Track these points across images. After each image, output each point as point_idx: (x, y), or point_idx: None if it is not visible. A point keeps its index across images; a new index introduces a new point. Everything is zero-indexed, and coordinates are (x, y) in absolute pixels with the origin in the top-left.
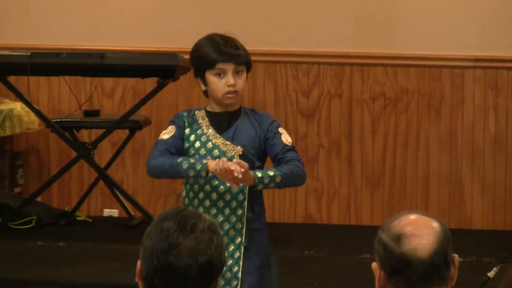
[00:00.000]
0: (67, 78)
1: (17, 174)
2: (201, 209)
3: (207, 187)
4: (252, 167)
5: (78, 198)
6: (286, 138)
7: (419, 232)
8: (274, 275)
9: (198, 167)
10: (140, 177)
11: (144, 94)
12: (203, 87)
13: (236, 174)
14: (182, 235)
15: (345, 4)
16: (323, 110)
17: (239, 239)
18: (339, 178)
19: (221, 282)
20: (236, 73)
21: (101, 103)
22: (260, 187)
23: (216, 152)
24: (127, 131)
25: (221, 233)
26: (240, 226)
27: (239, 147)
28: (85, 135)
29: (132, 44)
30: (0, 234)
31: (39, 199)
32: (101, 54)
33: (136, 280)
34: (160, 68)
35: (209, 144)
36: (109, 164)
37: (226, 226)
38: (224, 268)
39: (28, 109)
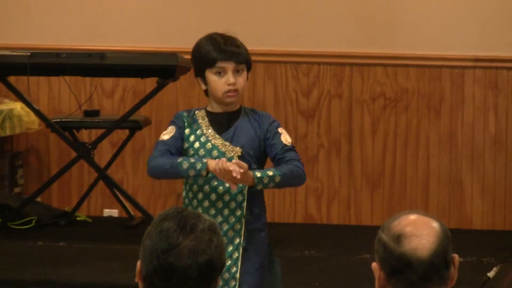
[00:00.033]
0: (67, 78)
1: (17, 174)
2: (200, 210)
3: (206, 188)
4: (250, 168)
5: (78, 198)
6: (286, 138)
7: (419, 232)
8: (278, 276)
9: (199, 166)
10: (140, 177)
11: (144, 94)
12: (204, 87)
13: (234, 175)
14: (182, 235)
15: (345, 4)
16: (323, 110)
17: (237, 240)
18: (339, 178)
19: (220, 282)
20: (237, 71)
21: (101, 103)
22: (259, 187)
23: (215, 152)
24: (127, 131)
25: (221, 233)
26: (239, 226)
27: (238, 148)
28: (85, 135)
29: (132, 44)
30: (0, 234)
31: (39, 199)
32: (101, 54)
33: (136, 280)
34: (160, 68)
35: (208, 145)
36: (109, 164)
37: (225, 227)
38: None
39: (28, 109)
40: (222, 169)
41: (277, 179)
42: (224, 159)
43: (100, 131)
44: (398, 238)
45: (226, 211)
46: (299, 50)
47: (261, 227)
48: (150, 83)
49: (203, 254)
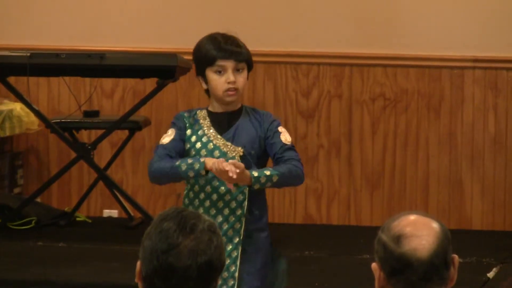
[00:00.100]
0: (67, 78)
1: (17, 174)
2: (201, 210)
3: (208, 188)
4: (251, 168)
5: (77, 198)
6: (286, 137)
7: (419, 232)
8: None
9: (197, 166)
10: (140, 177)
11: (144, 95)
12: (204, 86)
13: (230, 175)
14: (181, 235)
15: (345, 4)
16: (323, 110)
17: (237, 239)
18: (339, 179)
19: (218, 281)
20: (237, 70)
21: (100, 103)
22: (256, 186)
23: (217, 153)
24: (126, 132)
25: (221, 233)
26: (239, 226)
27: (239, 148)
28: (85, 136)
29: (132, 44)
30: (0, 234)
31: (38, 199)
32: (101, 54)
33: (136, 280)
34: (160, 69)
35: (210, 145)
36: (108, 164)
37: (225, 226)
38: None
39: (27, 110)
40: (218, 169)
41: (275, 178)
42: (221, 159)
43: (99, 132)
44: (398, 238)
45: (226, 211)
46: (299, 50)
47: (262, 227)
48: (150, 83)
49: (203, 254)
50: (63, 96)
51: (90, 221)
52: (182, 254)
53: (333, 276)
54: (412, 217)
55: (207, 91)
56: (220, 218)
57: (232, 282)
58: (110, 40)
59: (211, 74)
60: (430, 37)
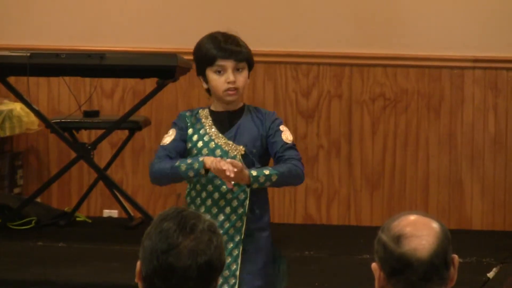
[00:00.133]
0: (67, 78)
1: (17, 174)
2: (202, 208)
3: (210, 187)
4: (253, 167)
5: (77, 198)
6: (287, 136)
7: (419, 232)
8: (283, 275)
9: (196, 166)
10: (140, 177)
11: (144, 95)
12: (205, 85)
13: (228, 173)
14: (181, 235)
15: (345, 4)
16: (323, 110)
17: (238, 238)
18: (339, 179)
19: (219, 280)
20: (237, 70)
21: (100, 103)
22: (255, 185)
23: (218, 152)
24: (126, 132)
25: (221, 233)
26: (240, 224)
27: (241, 147)
28: (85, 136)
29: (132, 44)
30: (0, 234)
31: (38, 199)
32: (101, 54)
33: (136, 280)
34: (159, 69)
35: (212, 144)
36: (108, 164)
37: (227, 225)
38: None
39: (27, 110)
40: (215, 168)
41: (274, 178)
42: (219, 158)
43: (99, 132)
44: (398, 238)
45: (228, 209)
46: (299, 50)
47: (264, 227)
48: (149, 83)
49: (203, 254)
50: (63, 96)
51: (90, 221)
52: (182, 254)
53: (333, 276)
54: (412, 217)
55: (208, 91)
56: (221, 217)
57: (234, 281)
58: (110, 40)
59: (211, 74)
60: (430, 37)
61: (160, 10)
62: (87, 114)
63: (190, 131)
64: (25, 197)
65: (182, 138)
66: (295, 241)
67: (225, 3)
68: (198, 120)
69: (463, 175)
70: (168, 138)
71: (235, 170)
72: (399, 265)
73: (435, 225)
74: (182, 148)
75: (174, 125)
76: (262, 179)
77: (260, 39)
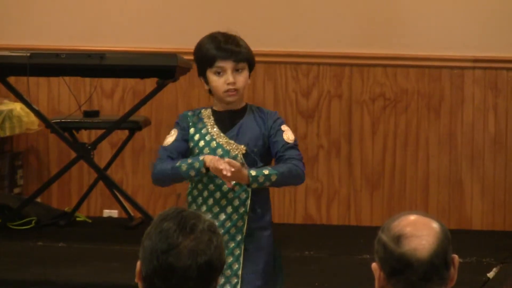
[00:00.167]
0: (67, 78)
1: (17, 174)
2: (204, 208)
3: (211, 186)
4: (255, 166)
5: (77, 198)
6: (288, 136)
7: (419, 232)
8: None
9: (197, 165)
10: (140, 177)
11: (144, 95)
12: (206, 86)
13: (224, 173)
14: (181, 235)
15: (345, 4)
16: (323, 110)
17: (239, 237)
18: (339, 179)
19: (221, 280)
20: (236, 70)
21: (100, 103)
22: (254, 185)
23: (219, 151)
24: (126, 132)
25: (221, 233)
26: (242, 224)
27: (242, 146)
28: (85, 136)
29: (132, 44)
30: (0, 234)
31: (38, 199)
32: (101, 54)
33: (136, 280)
34: (159, 69)
35: (213, 143)
36: (108, 164)
37: (228, 224)
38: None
39: (27, 110)
40: (213, 168)
41: (273, 178)
42: (217, 157)
43: (99, 132)
44: (398, 238)
45: (229, 209)
46: (299, 50)
47: (265, 226)
48: (149, 83)
49: (203, 254)
50: (63, 96)
51: (90, 221)
52: (182, 254)
53: (333, 276)
54: (412, 217)
55: (210, 91)
56: (223, 216)
57: (236, 280)
58: (110, 40)
59: (211, 75)
60: (430, 37)
61: (160, 10)
62: (87, 114)
63: (191, 130)
64: (25, 197)
65: (184, 138)
66: (295, 241)
67: (225, 3)
68: (200, 119)
69: (463, 175)
70: (170, 138)
71: (232, 169)
72: (399, 265)
73: (435, 225)
74: (184, 148)
75: (176, 125)
76: (261, 179)
77: (260, 39)
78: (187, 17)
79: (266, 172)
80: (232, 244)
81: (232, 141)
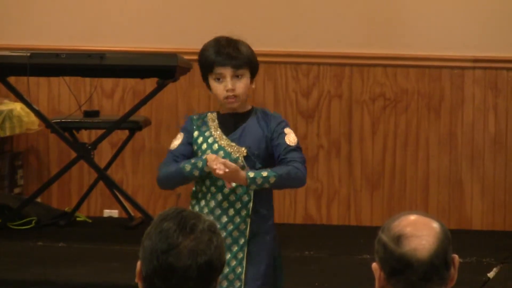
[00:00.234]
0: (67, 78)
1: (17, 174)
2: (206, 210)
3: (213, 189)
4: (255, 168)
5: (78, 198)
6: (290, 139)
7: (419, 232)
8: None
9: (200, 164)
10: (140, 177)
11: (144, 95)
12: (210, 91)
13: (217, 171)
14: (181, 235)
15: (345, 4)
16: (323, 110)
17: (242, 240)
18: (339, 179)
19: (224, 283)
20: (236, 77)
21: (100, 103)
22: (253, 187)
23: (221, 153)
24: (127, 132)
25: (221, 233)
26: (244, 227)
27: (243, 149)
28: (85, 136)
29: (132, 44)
30: (0, 234)
31: (39, 199)
32: (101, 54)
33: (136, 280)
34: (160, 69)
35: (215, 146)
36: (109, 164)
37: (230, 227)
38: (227, 269)
39: (28, 110)
40: (209, 167)
41: (272, 180)
42: (215, 156)
43: (100, 132)
44: (398, 238)
45: (231, 211)
46: (299, 50)
47: (268, 229)
48: (150, 83)
49: (203, 254)
50: (63, 96)
51: (90, 221)
52: (182, 254)
53: (333, 276)
54: (412, 217)
55: None
56: (225, 219)
57: (239, 284)
58: (110, 40)
59: (211, 81)
60: (430, 37)
61: (160, 10)
62: (87, 114)
63: (195, 133)
64: (25, 197)
65: (189, 141)
66: (295, 241)
67: (225, 3)
68: (205, 123)
69: (463, 175)
70: (176, 142)
71: (226, 170)
72: (399, 265)
73: (435, 225)
74: (189, 151)
75: (182, 129)
76: (259, 181)
77: (260, 39)
78: (187, 17)
79: (264, 174)
80: (235, 248)
81: (233, 144)
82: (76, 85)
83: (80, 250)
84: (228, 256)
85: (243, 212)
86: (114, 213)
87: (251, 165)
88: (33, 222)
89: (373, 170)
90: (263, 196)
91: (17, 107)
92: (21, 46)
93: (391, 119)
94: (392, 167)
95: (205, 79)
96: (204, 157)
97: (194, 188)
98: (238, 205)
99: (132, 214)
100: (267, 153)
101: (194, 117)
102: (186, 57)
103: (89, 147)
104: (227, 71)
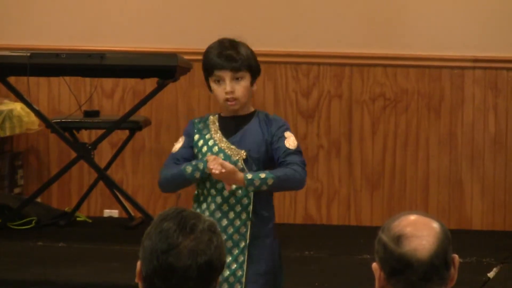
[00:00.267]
0: (67, 78)
1: (17, 174)
2: (207, 213)
3: (213, 191)
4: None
5: (78, 198)
6: (290, 143)
7: (419, 233)
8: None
9: (201, 166)
10: (140, 177)
11: (144, 95)
12: (211, 92)
13: (214, 171)
14: (181, 235)
15: (345, 4)
16: (323, 110)
17: (243, 243)
18: (339, 179)
19: (225, 286)
20: (236, 79)
21: (101, 103)
22: (251, 189)
23: (221, 156)
24: (127, 132)
25: (221, 233)
26: (245, 230)
27: (242, 151)
28: (85, 136)
29: (132, 44)
30: (0, 234)
31: (39, 199)
32: (101, 54)
33: (136, 280)
34: (160, 69)
35: (215, 148)
36: (109, 164)
37: (230, 230)
38: (228, 272)
39: (28, 110)
40: (207, 168)
41: (270, 181)
42: (214, 156)
43: (100, 132)
44: (398, 238)
45: (231, 214)
46: (299, 50)
47: (268, 232)
48: (150, 83)
49: (203, 254)
50: (64, 96)
51: (90, 221)
52: (182, 254)
53: (333, 276)
54: (412, 217)
55: None
56: (225, 222)
57: (239, 287)
58: (110, 40)
59: (212, 83)
60: (430, 37)
61: (160, 10)
62: (87, 114)
63: (196, 137)
64: (25, 197)
65: (190, 144)
66: (295, 241)
67: (225, 3)
68: (206, 125)
69: (463, 175)
70: (177, 145)
71: (223, 170)
72: (399, 265)
73: (435, 225)
74: (190, 155)
75: (184, 132)
76: (257, 183)
77: (260, 39)
78: (187, 17)
79: (262, 175)
80: (236, 251)
81: (233, 147)
82: (76, 85)
83: (80, 250)
84: (229, 259)
85: (243, 215)
86: (114, 213)
87: (251, 168)
88: (33, 222)
89: (373, 170)
90: (263, 198)
91: (17, 107)
92: (21, 46)
93: (391, 119)
94: (392, 167)
95: (207, 80)
96: (205, 159)
97: (196, 192)
98: (238, 208)
99: (132, 214)
100: (267, 157)
101: (196, 120)
102: (186, 57)
103: (89, 147)
104: (226, 74)
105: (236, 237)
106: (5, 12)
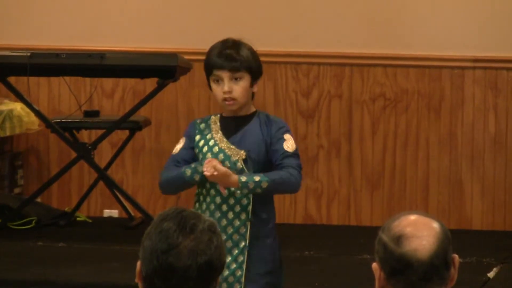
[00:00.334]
0: (67, 78)
1: (17, 174)
2: (207, 213)
3: (212, 192)
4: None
5: (78, 198)
6: (288, 145)
7: (419, 233)
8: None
9: (200, 169)
10: (140, 177)
11: (144, 95)
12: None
13: (205, 173)
14: (181, 235)
15: (345, 4)
16: (323, 110)
17: (243, 243)
18: (339, 179)
19: (224, 286)
20: (234, 79)
21: (101, 103)
22: (245, 191)
23: (221, 156)
24: (127, 132)
25: (221, 233)
26: (244, 230)
27: (242, 152)
28: (85, 136)
29: (132, 44)
30: (0, 234)
31: (39, 199)
32: (101, 54)
33: (136, 280)
34: (160, 69)
35: (216, 148)
36: (109, 164)
37: (230, 230)
38: (227, 272)
39: (28, 110)
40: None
41: (264, 185)
42: (211, 158)
43: (100, 132)
44: (398, 238)
45: (230, 214)
46: (299, 50)
47: (268, 233)
48: (150, 83)
49: (203, 254)
50: (64, 96)
51: (90, 221)
52: (182, 254)
53: (333, 276)
54: (413, 217)
55: None
56: (224, 222)
57: (239, 287)
58: (110, 40)
59: (211, 83)
60: (430, 37)
61: (160, 10)
62: (87, 114)
63: (197, 137)
64: (25, 197)
65: (191, 145)
66: (295, 241)
67: (225, 3)
68: (208, 126)
69: (463, 175)
70: (178, 146)
71: (215, 173)
72: (399, 265)
73: (435, 225)
74: (190, 156)
75: (184, 133)
76: (251, 185)
77: (260, 39)
78: (187, 17)
79: (257, 178)
80: (235, 251)
81: (233, 147)
82: (76, 85)
83: (80, 250)
84: (229, 259)
85: (243, 216)
86: (114, 213)
87: (250, 168)
88: (33, 222)
89: (373, 170)
90: (263, 199)
91: (17, 107)
92: (21, 46)
93: (391, 119)
94: (392, 167)
95: (208, 79)
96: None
97: (197, 191)
98: (238, 208)
99: (132, 214)
100: (267, 158)
101: (198, 121)
102: (186, 57)
103: (89, 147)
104: (225, 73)
105: (235, 237)
106: (5, 12)
